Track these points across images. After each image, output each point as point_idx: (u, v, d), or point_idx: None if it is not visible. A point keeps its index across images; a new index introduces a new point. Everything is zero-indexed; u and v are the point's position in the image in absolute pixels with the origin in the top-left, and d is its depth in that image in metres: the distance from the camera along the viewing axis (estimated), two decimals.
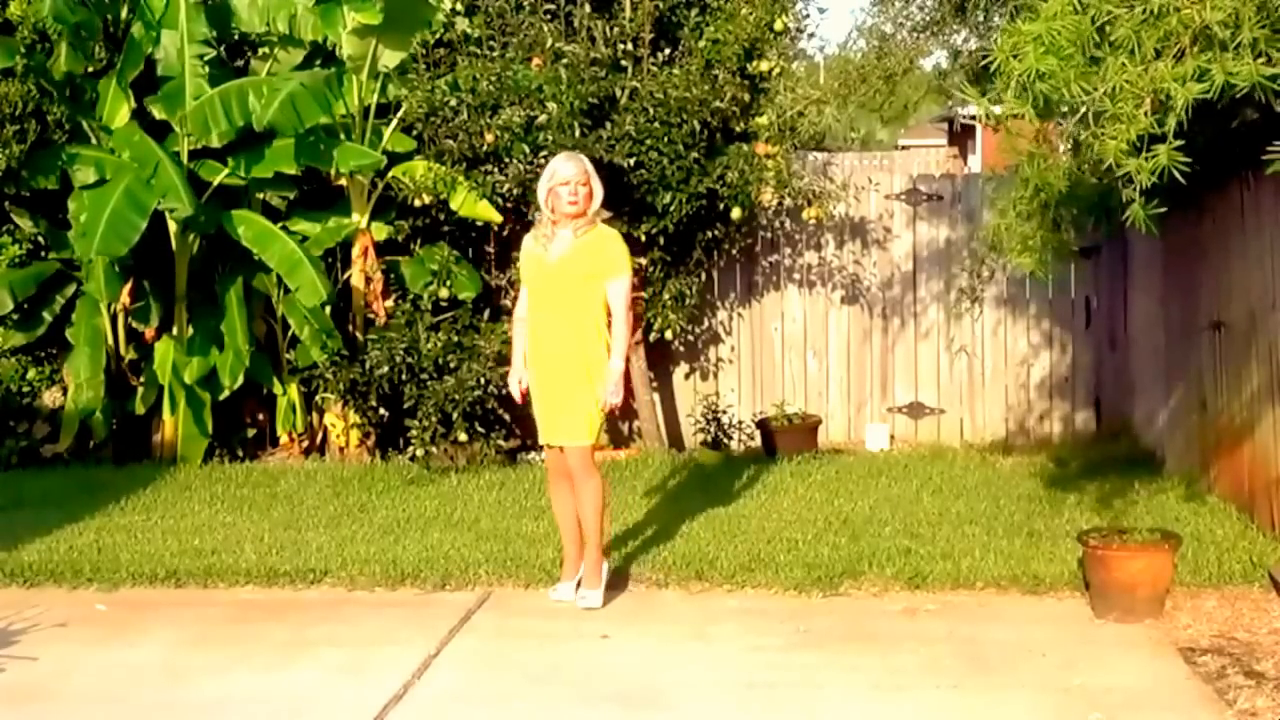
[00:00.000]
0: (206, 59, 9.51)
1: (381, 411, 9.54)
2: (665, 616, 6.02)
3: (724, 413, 10.06)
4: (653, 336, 9.74)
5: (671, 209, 9.07)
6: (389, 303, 9.58)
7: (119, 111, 9.60)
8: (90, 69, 9.69)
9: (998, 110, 5.18)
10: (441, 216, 9.67)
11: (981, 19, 8.29)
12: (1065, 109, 5.02)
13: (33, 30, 9.46)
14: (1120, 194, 6.20)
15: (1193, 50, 4.71)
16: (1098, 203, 6.98)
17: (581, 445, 6.11)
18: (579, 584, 6.20)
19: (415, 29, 9.35)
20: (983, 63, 5.23)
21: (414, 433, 8.98)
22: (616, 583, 6.42)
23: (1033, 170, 6.60)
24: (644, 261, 9.36)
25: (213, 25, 9.60)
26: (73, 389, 9.53)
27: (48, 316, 9.69)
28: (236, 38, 10.00)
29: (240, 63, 10.09)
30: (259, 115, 8.99)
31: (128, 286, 9.47)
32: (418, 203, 9.38)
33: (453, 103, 9.19)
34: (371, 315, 9.63)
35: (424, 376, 9.07)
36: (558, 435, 6.19)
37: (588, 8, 9.22)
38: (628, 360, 9.45)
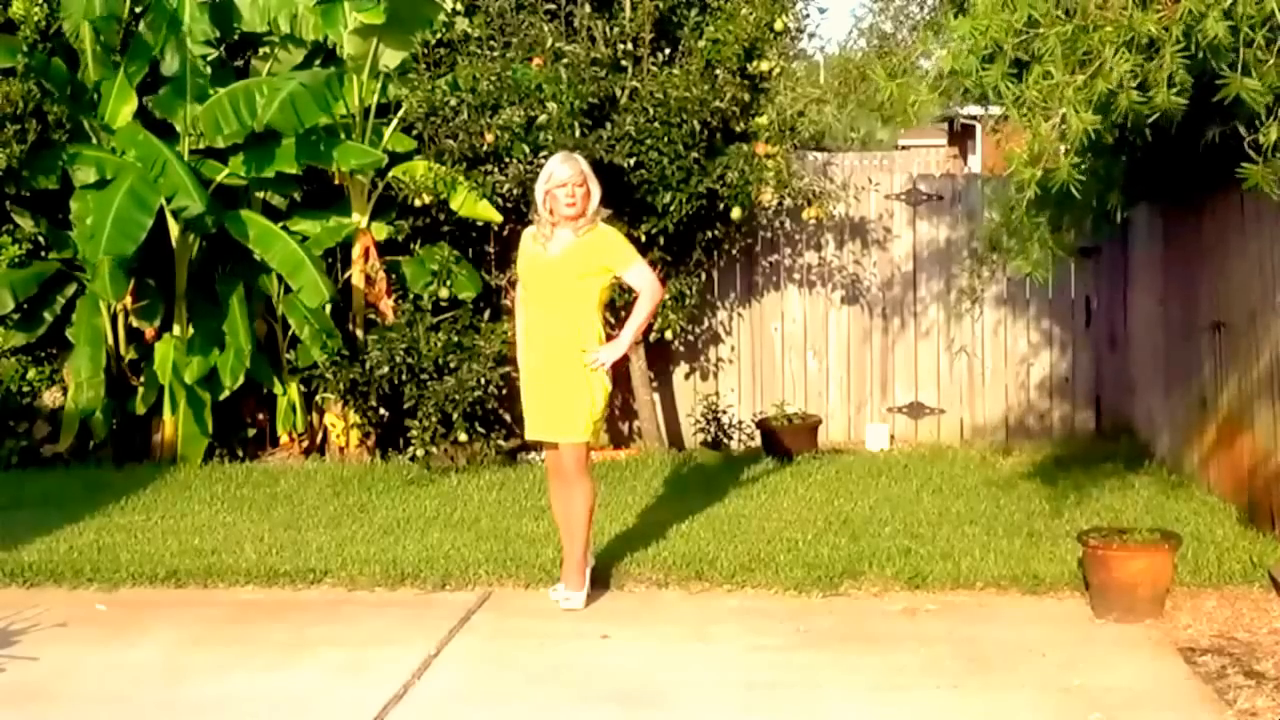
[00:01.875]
0: (209, 59, 9.52)
1: (381, 411, 9.54)
2: (665, 616, 6.02)
3: (724, 413, 10.07)
4: (653, 336, 9.73)
5: (671, 209, 9.07)
6: (391, 302, 9.58)
7: (122, 111, 9.60)
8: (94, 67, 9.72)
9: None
10: (441, 216, 9.67)
11: None
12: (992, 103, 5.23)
13: (34, 30, 9.46)
14: (1117, 196, 6.25)
15: (1105, 71, 4.80)
16: (1096, 205, 7.00)
17: (575, 443, 6.12)
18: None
19: (418, 28, 9.36)
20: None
21: (414, 433, 8.98)
22: (616, 582, 6.43)
23: (1030, 159, 6.63)
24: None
25: (216, 25, 9.61)
26: (73, 389, 9.53)
27: (48, 316, 9.68)
28: (237, 38, 10.00)
29: (240, 62, 10.10)
30: (260, 115, 9.01)
31: (130, 285, 9.45)
32: (418, 203, 9.38)
33: (453, 102, 9.19)
34: (375, 316, 9.63)
35: (424, 376, 9.07)
36: (551, 432, 6.19)
37: (588, 8, 9.22)
38: (628, 359, 9.57)
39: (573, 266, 6.07)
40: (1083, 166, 5.78)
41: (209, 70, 9.53)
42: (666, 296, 9.56)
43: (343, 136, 9.54)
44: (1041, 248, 6.71)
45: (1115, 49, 4.77)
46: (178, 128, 9.56)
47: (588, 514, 6.15)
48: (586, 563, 6.22)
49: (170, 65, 9.56)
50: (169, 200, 9.09)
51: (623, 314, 6.49)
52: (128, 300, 9.47)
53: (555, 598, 6.18)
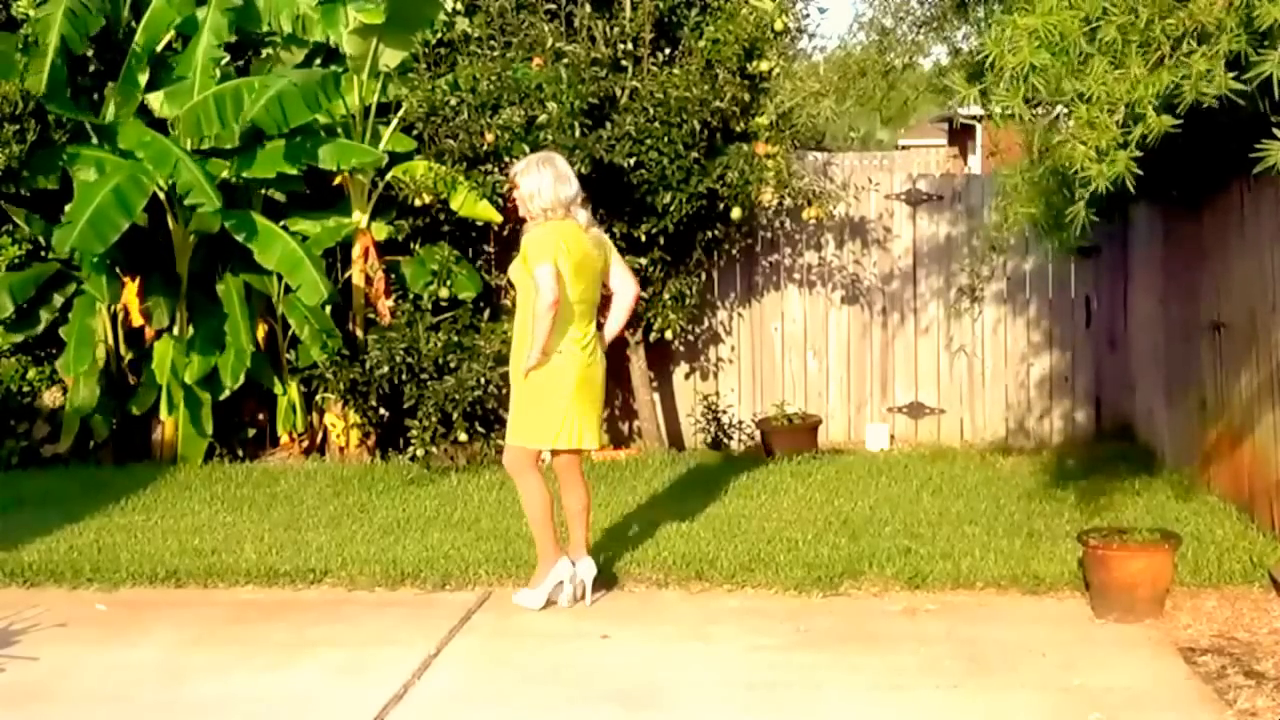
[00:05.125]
0: (221, 62, 9.49)
1: (381, 411, 9.54)
2: (665, 616, 6.02)
3: (724, 413, 10.07)
4: (653, 336, 9.73)
5: (671, 209, 9.07)
6: (390, 302, 9.58)
7: (124, 111, 9.57)
8: (94, 68, 9.68)
9: (995, 110, 5.26)
10: (442, 216, 9.67)
11: (982, 15, 8.28)
12: (1048, 107, 5.14)
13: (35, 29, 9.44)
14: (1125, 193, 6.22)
15: (1170, 63, 4.75)
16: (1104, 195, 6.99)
17: (509, 444, 6.17)
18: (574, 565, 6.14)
19: (418, 28, 9.35)
20: (979, 57, 5.27)
21: (414, 433, 8.97)
22: (616, 582, 6.44)
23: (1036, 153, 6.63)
24: (644, 261, 9.35)
25: (231, 27, 9.57)
26: (70, 388, 9.51)
27: (47, 316, 9.64)
28: (235, 39, 9.98)
29: (240, 62, 10.09)
30: (244, 114, 8.97)
31: (134, 285, 9.40)
32: (418, 202, 9.38)
33: (453, 102, 9.19)
34: (374, 315, 9.63)
35: (424, 376, 9.07)
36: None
37: (588, 8, 9.22)
38: (628, 360, 9.57)
39: (518, 269, 6.12)
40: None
41: (218, 71, 9.50)
42: (667, 297, 9.57)
43: (342, 136, 9.53)
44: (1071, 226, 6.71)
45: (1174, 41, 4.73)
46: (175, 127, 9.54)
47: (530, 514, 6.13)
48: (548, 566, 6.09)
49: (181, 66, 9.54)
50: (182, 198, 9.02)
51: (604, 316, 6.35)
52: (132, 300, 9.44)
53: (554, 597, 6.16)
